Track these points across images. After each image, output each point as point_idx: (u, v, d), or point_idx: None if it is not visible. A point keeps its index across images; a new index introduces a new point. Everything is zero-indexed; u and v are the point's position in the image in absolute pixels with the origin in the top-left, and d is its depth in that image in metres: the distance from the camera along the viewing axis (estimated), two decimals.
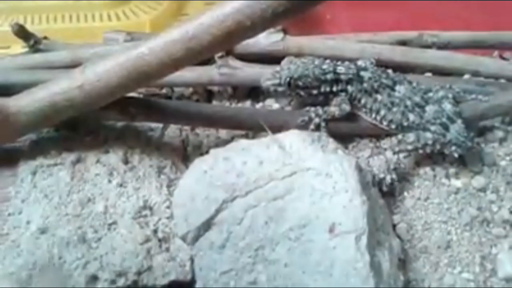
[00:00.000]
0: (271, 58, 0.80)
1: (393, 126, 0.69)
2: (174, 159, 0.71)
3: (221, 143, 0.73)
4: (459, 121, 0.67)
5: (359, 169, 0.62)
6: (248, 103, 0.83)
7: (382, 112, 0.69)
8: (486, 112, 0.70)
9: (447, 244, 0.63)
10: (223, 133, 0.75)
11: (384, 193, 0.66)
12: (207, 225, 0.59)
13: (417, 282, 0.61)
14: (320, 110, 0.68)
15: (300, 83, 0.69)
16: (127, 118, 0.70)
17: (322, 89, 0.69)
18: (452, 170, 0.68)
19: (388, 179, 0.65)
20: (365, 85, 0.69)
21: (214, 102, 0.84)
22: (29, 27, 0.85)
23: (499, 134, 0.72)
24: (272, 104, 0.81)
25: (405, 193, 0.67)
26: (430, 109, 0.68)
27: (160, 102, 0.70)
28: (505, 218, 0.64)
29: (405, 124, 0.68)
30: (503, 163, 0.69)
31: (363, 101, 0.69)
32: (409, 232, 0.64)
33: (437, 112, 0.67)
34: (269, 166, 0.60)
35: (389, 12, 0.90)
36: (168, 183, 0.67)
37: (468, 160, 0.69)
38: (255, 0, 0.53)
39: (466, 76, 0.81)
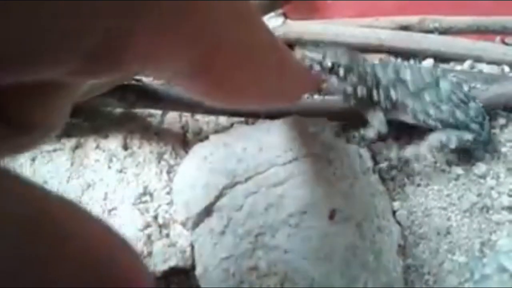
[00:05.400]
0: None
1: (439, 125, 0.64)
2: (174, 145, 0.70)
3: (221, 129, 0.72)
4: (487, 118, 0.65)
5: (360, 155, 0.61)
6: None
7: (431, 112, 0.63)
8: (488, 103, 0.69)
9: (447, 230, 0.63)
10: (223, 119, 0.75)
11: (384, 179, 0.66)
12: (207, 211, 0.59)
13: (416, 267, 0.61)
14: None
15: (340, 72, 0.62)
16: (126, 105, 0.69)
17: (359, 93, 0.62)
18: (453, 156, 0.68)
19: (388, 166, 0.65)
20: (410, 86, 0.64)
21: None
22: None
23: (501, 120, 0.72)
24: None
25: (405, 180, 0.67)
26: (472, 106, 0.64)
27: (160, 89, 0.69)
28: (505, 204, 0.64)
29: (451, 121, 0.63)
30: (504, 149, 0.69)
31: (410, 104, 0.64)
32: (409, 218, 0.64)
33: (477, 109, 0.64)
34: (270, 152, 0.60)
35: None
36: (168, 169, 0.67)
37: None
38: None
39: (468, 62, 0.81)
